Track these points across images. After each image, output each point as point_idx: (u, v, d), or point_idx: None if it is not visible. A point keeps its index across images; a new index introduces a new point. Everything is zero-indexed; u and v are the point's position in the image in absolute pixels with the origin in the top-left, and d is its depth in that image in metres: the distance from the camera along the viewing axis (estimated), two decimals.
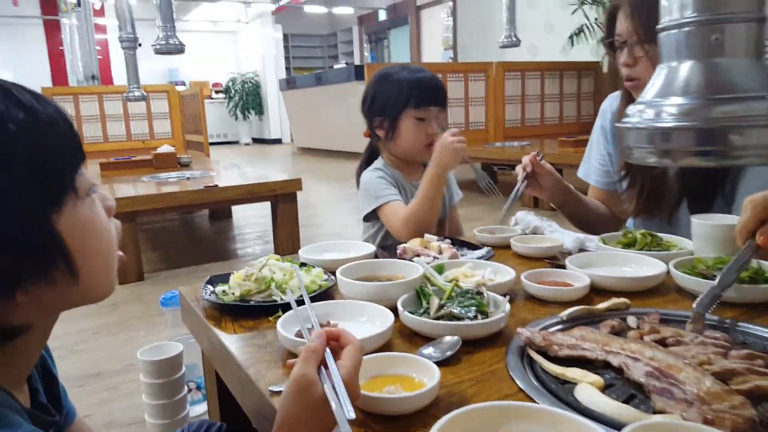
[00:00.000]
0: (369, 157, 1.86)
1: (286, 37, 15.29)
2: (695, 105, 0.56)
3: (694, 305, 0.90)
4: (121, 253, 0.70)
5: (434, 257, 1.26)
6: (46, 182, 0.59)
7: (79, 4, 8.16)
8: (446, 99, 1.72)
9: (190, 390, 1.86)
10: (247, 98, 14.57)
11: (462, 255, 1.33)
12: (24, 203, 0.57)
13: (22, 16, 11.87)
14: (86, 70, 8.08)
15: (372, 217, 1.70)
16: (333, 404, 0.62)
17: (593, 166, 1.73)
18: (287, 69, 15.37)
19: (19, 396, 0.65)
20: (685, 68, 0.57)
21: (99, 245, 0.65)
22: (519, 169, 1.56)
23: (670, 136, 0.57)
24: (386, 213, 1.64)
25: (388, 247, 1.43)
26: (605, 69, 7.15)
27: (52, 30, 12.47)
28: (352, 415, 0.60)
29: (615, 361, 0.76)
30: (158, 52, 3.36)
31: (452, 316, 0.91)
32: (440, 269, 1.13)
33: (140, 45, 4.69)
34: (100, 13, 11.80)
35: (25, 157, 0.57)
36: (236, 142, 15.35)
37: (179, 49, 3.33)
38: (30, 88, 0.62)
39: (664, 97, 0.58)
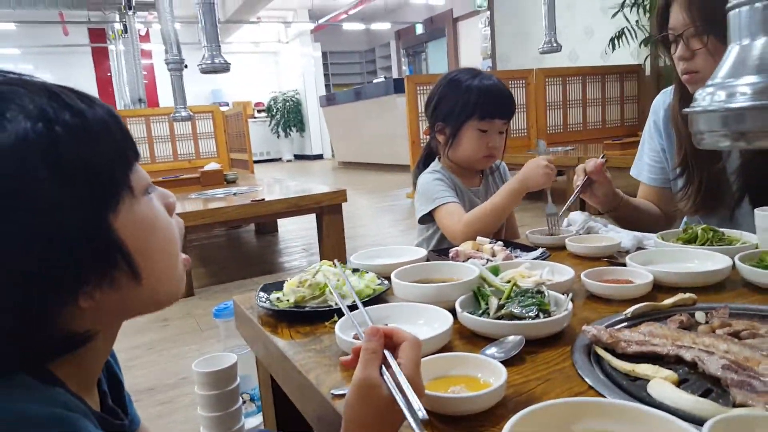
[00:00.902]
0: (426, 158, 1.86)
1: (325, 54, 15.52)
2: None
3: None
4: (186, 255, 0.69)
5: (488, 260, 1.25)
6: (98, 183, 0.58)
7: (125, 30, 8.44)
8: (513, 110, 1.71)
9: (244, 402, 1.87)
10: (289, 116, 14.80)
11: (516, 257, 1.31)
12: (77, 206, 0.56)
13: (71, 45, 12.35)
14: (133, 94, 8.35)
15: (428, 219, 1.70)
16: (402, 406, 0.60)
17: (645, 163, 1.69)
18: (327, 86, 15.56)
19: (89, 400, 0.65)
20: (759, 45, 0.55)
21: (161, 244, 0.63)
22: (579, 170, 1.54)
23: (745, 117, 0.55)
24: (443, 214, 1.63)
25: (440, 250, 1.42)
26: (648, 71, 7.01)
27: (100, 57, 12.93)
28: (425, 415, 0.58)
29: (688, 355, 0.73)
30: (204, 71, 3.44)
31: (513, 316, 0.90)
32: (495, 271, 1.12)
33: (186, 66, 4.82)
34: (145, 38, 12.20)
35: (73, 158, 0.56)
36: (279, 159, 15.57)
37: (225, 68, 3.40)
38: (81, 91, 0.61)
39: (736, 77, 0.56)
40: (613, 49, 6.39)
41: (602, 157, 1.54)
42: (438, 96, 1.72)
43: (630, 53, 7.02)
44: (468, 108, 1.65)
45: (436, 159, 1.82)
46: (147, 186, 0.64)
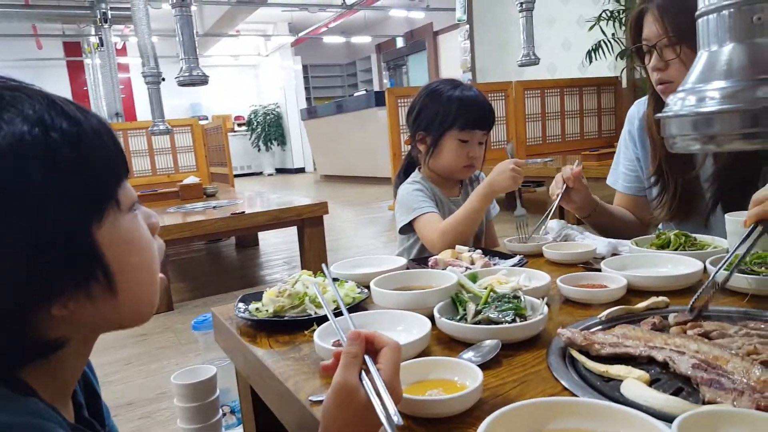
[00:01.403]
0: (407, 167, 1.88)
1: (305, 67, 15.55)
2: (739, 87, 0.55)
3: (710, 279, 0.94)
4: (162, 275, 0.69)
5: (466, 267, 1.26)
6: (88, 192, 0.58)
7: (101, 44, 8.39)
8: (493, 122, 1.74)
9: (224, 414, 1.86)
10: (269, 129, 14.78)
11: (494, 264, 1.33)
12: (64, 211, 0.56)
13: (46, 58, 12.25)
14: (110, 108, 8.29)
15: (408, 229, 1.71)
16: (379, 411, 0.60)
17: (621, 172, 1.72)
18: (308, 99, 15.58)
19: (63, 412, 0.64)
20: (727, 51, 0.57)
21: (140, 261, 0.64)
22: (558, 179, 1.56)
23: (714, 121, 0.57)
24: (421, 224, 1.65)
25: (419, 260, 1.43)
26: (624, 83, 7.13)
27: (76, 70, 12.83)
28: (400, 420, 0.59)
29: (660, 356, 0.75)
30: (182, 84, 3.43)
31: (490, 321, 0.91)
32: (474, 278, 1.13)
33: (163, 80, 4.80)
34: (122, 52, 12.14)
35: (67, 165, 0.57)
36: (260, 173, 15.51)
37: (203, 80, 3.40)
38: (75, 102, 0.62)
39: (705, 83, 0.58)
40: (591, 61, 6.49)
41: (577, 164, 1.56)
42: (419, 106, 1.74)
43: (607, 66, 7.14)
44: (449, 118, 1.67)
45: (417, 169, 1.84)
46: (133, 203, 0.65)
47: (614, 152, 1.80)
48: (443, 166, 1.73)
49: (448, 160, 1.71)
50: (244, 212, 3.50)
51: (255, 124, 14.95)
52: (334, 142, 10.96)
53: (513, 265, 1.30)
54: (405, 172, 1.87)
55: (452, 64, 11.76)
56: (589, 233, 1.52)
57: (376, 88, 14.68)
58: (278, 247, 5.09)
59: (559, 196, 1.54)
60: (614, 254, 1.36)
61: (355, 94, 10.89)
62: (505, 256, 1.41)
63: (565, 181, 1.54)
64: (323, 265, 0.99)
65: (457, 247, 1.40)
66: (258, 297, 1.18)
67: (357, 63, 16.33)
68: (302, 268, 3.70)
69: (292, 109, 14.59)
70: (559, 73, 8.06)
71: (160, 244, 0.69)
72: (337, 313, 0.88)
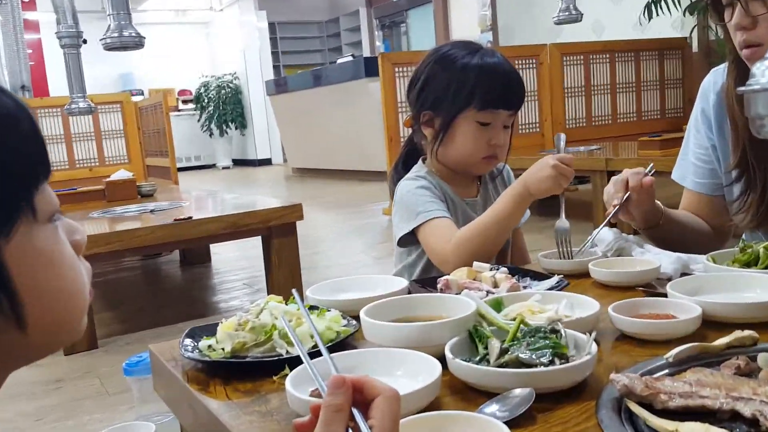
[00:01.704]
0: (407, 158, 1.88)
1: (272, 26, 15.60)
2: None
3: None
4: (90, 288, 0.69)
5: (487, 291, 1.26)
6: None
7: None
8: (523, 99, 1.74)
9: None
10: (225, 108, 14.80)
11: (525, 287, 1.33)
12: None
13: None
14: (14, 80, 8.26)
15: (410, 240, 1.71)
16: None
17: (691, 164, 1.73)
18: (276, 67, 15.61)
19: None
20: None
21: (60, 286, 0.64)
22: (618, 183, 1.56)
23: None
24: (428, 233, 1.65)
25: (425, 281, 1.43)
26: (695, 47, 7.16)
27: None
28: None
29: (747, 409, 0.75)
30: (109, 48, 3.43)
31: (520, 363, 0.91)
32: (498, 305, 1.14)
33: (85, 42, 4.80)
34: (29, 5, 12.13)
35: None
36: (212, 166, 15.52)
37: (136, 43, 3.40)
38: None
39: None
40: (650, 18, 6.52)
41: (651, 171, 1.56)
42: (425, 76, 1.74)
43: (671, 24, 7.18)
44: (465, 93, 1.67)
45: (420, 161, 1.84)
46: (54, 212, 0.64)
47: (682, 138, 1.81)
48: (457, 157, 1.74)
49: (463, 149, 1.71)
50: (191, 218, 3.49)
51: (206, 100, 14.97)
52: (311, 124, 10.98)
53: (550, 289, 1.31)
54: (405, 165, 1.88)
55: (467, 22, 11.80)
56: (651, 246, 1.52)
57: (367, 53, 14.71)
58: (237, 264, 5.09)
59: (617, 207, 1.54)
60: (684, 274, 1.36)
61: (339, 61, 10.90)
62: (539, 277, 1.41)
63: (631, 190, 1.54)
64: (293, 291, 0.99)
65: (476, 264, 1.40)
66: (211, 331, 1.18)
67: (341, 20, 16.39)
68: (269, 293, 3.70)
69: (254, 80, 14.61)
70: (608, 34, 8.09)
71: (87, 268, 0.69)
72: (316, 353, 0.87)
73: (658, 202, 1.62)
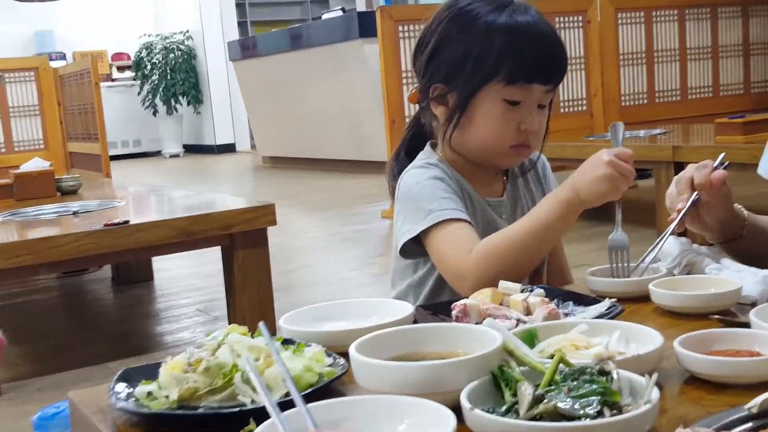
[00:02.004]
0: (412, 143, 1.89)
1: None
2: None
3: None
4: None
5: (518, 320, 1.26)
6: None
7: None
8: (565, 70, 1.75)
9: None
10: (174, 77, 14.77)
11: (566, 314, 1.33)
12: None
13: None
14: None
15: (417, 250, 1.71)
16: None
17: None
18: (242, 24, 15.61)
19: None
20: None
21: None
22: (682, 182, 1.56)
23: None
24: (442, 238, 1.64)
25: (436, 306, 1.43)
26: None
27: None
28: None
29: None
30: None
31: (559, 415, 0.91)
32: (531, 338, 1.13)
33: None
34: None
35: None
36: (157, 153, 15.50)
37: None
38: None
39: None
40: None
41: (722, 163, 1.56)
42: (437, 38, 1.74)
43: None
44: (489, 62, 1.67)
45: (428, 145, 1.84)
46: None
47: None
48: (477, 145, 1.74)
49: (485, 134, 1.71)
50: (127, 222, 3.48)
51: (149, 67, 14.93)
52: (289, 100, 10.98)
53: (599, 316, 1.30)
54: (409, 153, 1.88)
55: None
56: (730, 261, 1.52)
57: (362, 6, 14.68)
58: (188, 283, 5.08)
59: (683, 213, 1.54)
60: None
61: (325, 16, 10.90)
62: (584, 301, 1.41)
63: (697, 189, 1.54)
64: (261, 324, 0.99)
65: (502, 284, 1.40)
66: (152, 373, 1.17)
67: None
68: (231, 322, 3.69)
69: (213, 41, 14.61)
70: None
71: None
72: (290, 403, 0.87)
73: (739, 206, 1.62)
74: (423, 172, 1.74)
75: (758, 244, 1.64)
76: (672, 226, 1.55)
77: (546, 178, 1.91)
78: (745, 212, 1.63)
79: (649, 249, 1.58)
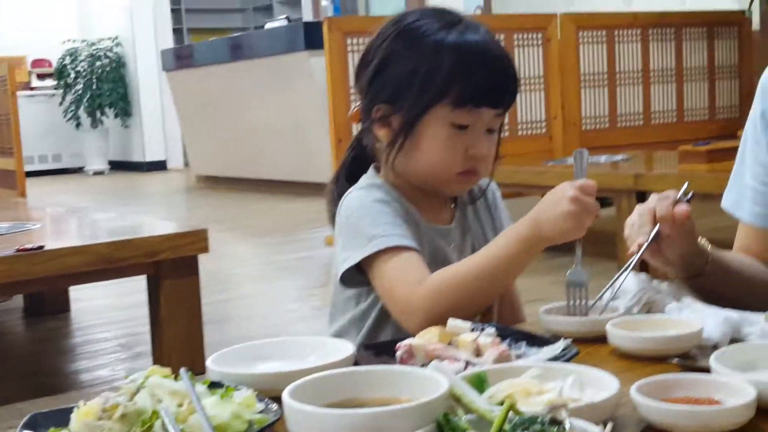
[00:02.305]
0: (353, 166, 1.88)
1: None
2: None
3: None
4: None
5: (467, 362, 1.26)
6: None
7: None
8: (515, 93, 1.76)
9: None
10: (101, 87, 14.64)
11: (519, 356, 1.33)
12: None
13: None
14: None
15: (359, 279, 1.70)
16: None
17: (748, 187, 1.75)
18: (177, 31, 15.56)
19: None
20: None
21: None
22: (644, 214, 1.57)
23: None
24: (388, 267, 1.63)
25: (378, 346, 1.43)
26: (756, 23, 7.30)
27: None
28: None
29: None
30: None
31: None
32: (480, 383, 1.13)
33: None
34: None
35: None
36: (79, 170, 15.33)
37: None
38: None
39: None
40: None
41: (686, 195, 1.57)
42: (382, 55, 1.74)
43: None
44: (436, 84, 1.68)
45: (372, 168, 1.83)
46: None
47: (737, 147, 1.83)
48: (422, 170, 1.74)
49: (431, 160, 1.71)
50: (42, 247, 3.43)
51: (72, 76, 14.79)
52: (226, 114, 10.96)
53: (552, 359, 1.30)
54: (350, 177, 1.87)
55: None
56: (691, 300, 1.53)
57: (308, 15, 14.72)
58: (109, 315, 5.04)
59: (643, 249, 1.55)
60: (735, 340, 1.36)
61: (268, 26, 10.91)
62: (538, 342, 1.41)
63: (659, 222, 1.55)
64: (182, 371, 0.97)
65: (451, 322, 1.39)
66: (62, 419, 1.14)
67: None
68: (155, 359, 3.65)
69: (145, 49, 14.53)
70: (640, 3, 8.24)
71: None
72: None
73: (703, 241, 1.63)
74: (366, 195, 1.73)
75: (721, 282, 1.64)
76: (632, 260, 1.55)
77: (496, 207, 1.91)
78: (709, 247, 1.63)
79: (608, 285, 1.58)
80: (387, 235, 1.64)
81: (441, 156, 1.71)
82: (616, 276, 1.58)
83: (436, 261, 1.67)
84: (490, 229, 1.86)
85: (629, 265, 1.55)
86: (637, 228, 1.57)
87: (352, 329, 1.78)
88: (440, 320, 1.45)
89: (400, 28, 1.74)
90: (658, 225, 1.54)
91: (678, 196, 1.57)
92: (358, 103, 1.83)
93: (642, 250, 1.54)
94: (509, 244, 1.59)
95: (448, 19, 1.73)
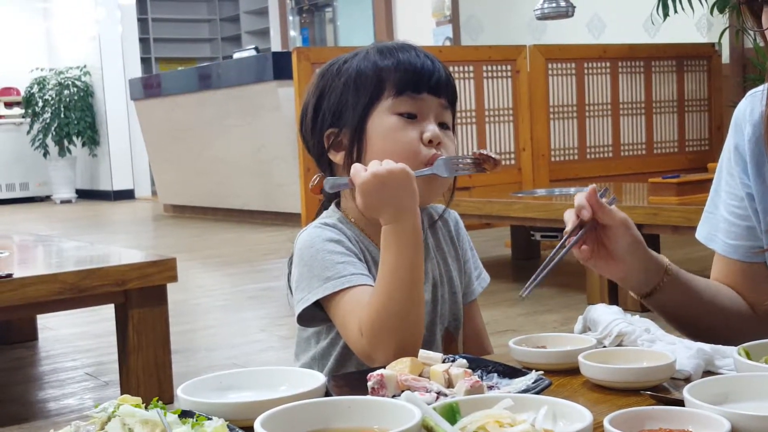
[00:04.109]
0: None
1: (142, 2, 15.52)
2: None
3: None
4: None
5: (438, 393, 1.26)
6: None
7: None
8: (453, 87, 1.77)
9: None
10: (68, 116, 14.61)
11: (491, 387, 1.33)
12: None
13: None
14: None
15: (317, 317, 1.70)
16: None
17: (722, 219, 1.76)
18: (145, 61, 15.54)
19: None
20: None
21: None
22: (567, 215, 1.59)
23: None
24: (345, 309, 1.62)
25: (351, 377, 1.42)
26: (726, 56, 7.38)
27: None
28: None
29: None
30: None
31: None
32: (452, 414, 1.13)
33: None
34: None
35: None
36: (46, 198, 15.27)
37: None
38: None
39: None
40: (666, 15, 6.70)
41: (608, 197, 1.59)
42: (315, 98, 1.79)
43: (695, 24, 7.41)
44: (369, 83, 1.72)
45: (333, 204, 1.83)
46: None
47: (707, 180, 1.84)
48: None
49: (389, 152, 1.67)
50: (11, 275, 3.41)
51: (40, 104, 14.77)
52: (195, 144, 10.94)
53: (524, 390, 1.30)
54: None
55: (419, 9, 11.96)
56: (662, 332, 1.53)
57: (276, 46, 14.76)
58: (77, 344, 5.00)
59: (571, 228, 1.56)
60: (708, 372, 1.37)
61: (237, 56, 10.91)
62: (510, 373, 1.41)
63: (576, 211, 1.57)
64: (159, 409, 0.96)
65: (422, 353, 1.39)
66: None
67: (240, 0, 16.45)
68: (123, 388, 3.63)
69: (113, 78, 14.52)
70: (609, 35, 8.31)
71: None
72: None
73: (662, 257, 1.64)
74: (319, 233, 1.72)
75: (682, 298, 1.66)
76: (564, 247, 1.57)
77: (459, 238, 1.90)
78: (666, 260, 1.65)
79: (540, 267, 1.58)
80: (341, 276, 1.64)
81: (397, 146, 1.69)
82: (549, 257, 1.58)
83: None
84: (453, 260, 1.86)
85: (555, 257, 1.57)
86: (566, 221, 1.59)
87: (315, 366, 1.76)
88: (386, 348, 1.49)
89: (322, 71, 1.80)
90: (579, 218, 1.56)
91: (600, 192, 1.58)
92: (317, 175, 1.81)
93: (566, 237, 1.57)
94: (395, 248, 1.57)
95: (382, 49, 1.77)
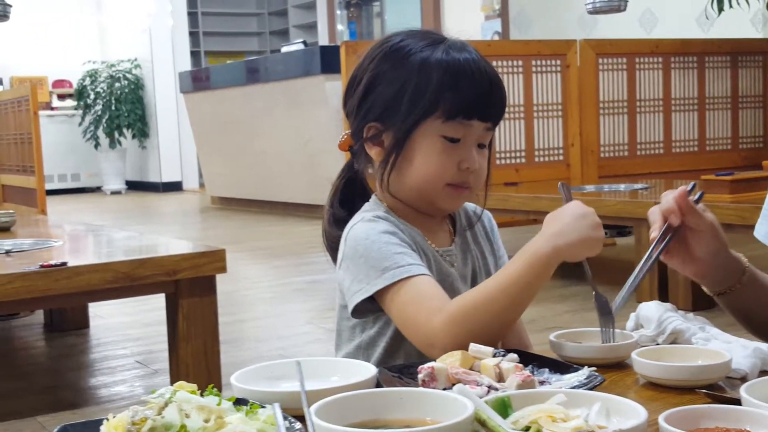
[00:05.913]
0: (345, 191, 1.89)
1: None
2: None
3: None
4: None
5: (489, 387, 1.25)
6: None
7: None
8: (504, 107, 1.77)
9: None
10: (119, 108, 14.72)
11: (542, 382, 1.32)
12: None
13: None
14: None
15: (368, 308, 1.69)
16: None
17: None
18: (195, 54, 15.61)
19: None
20: None
21: None
22: (654, 216, 1.56)
23: None
24: (404, 299, 1.62)
25: (401, 368, 1.43)
26: None
27: None
28: None
29: None
30: None
31: None
32: (504, 407, 1.12)
33: None
34: None
35: None
36: (97, 189, 15.40)
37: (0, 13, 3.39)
38: None
39: None
40: (720, 10, 6.63)
41: (696, 194, 1.56)
42: (369, 77, 1.76)
43: (750, 19, 7.32)
44: (426, 97, 1.69)
45: (374, 197, 1.84)
46: None
47: (762, 177, 1.82)
48: (415, 184, 1.73)
49: (424, 172, 1.71)
50: (65, 264, 3.45)
51: (92, 97, 14.90)
52: (242, 137, 10.97)
53: (576, 386, 1.30)
54: (344, 202, 1.89)
55: (466, 3, 11.93)
56: (718, 331, 1.52)
57: (324, 40, 14.76)
58: (127, 332, 5.04)
59: (653, 248, 1.54)
60: (765, 372, 1.36)
61: (285, 49, 10.93)
62: (562, 368, 1.40)
63: (664, 215, 1.55)
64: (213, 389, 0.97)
65: (473, 347, 1.39)
66: (93, 430, 1.15)
67: None
68: (172, 376, 3.66)
69: (163, 71, 14.61)
70: (662, 30, 8.23)
71: None
72: None
73: (740, 256, 1.61)
74: (372, 227, 1.72)
75: (757, 299, 1.62)
76: (654, 254, 1.54)
77: (494, 235, 1.93)
78: (744, 259, 1.61)
79: (624, 289, 1.56)
80: (398, 266, 1.64)
81: (433, 168, 1.71)
82: (636, 271, 1.56)
83: (442, 282, 1.67)
84: (489, 255, 1.89)
85: (645, 264, 1.54)
86: (652, 223, 1.56)
87: (360, 356, 1.76)
88: (461, 342, 1.46)
89: (385, 49, 1.76)
90: (668, 221, 1.53)
91: (688, 189, 1.55)
92: (345, 132, 1.84)
93: (656, 243, 1.53)
94: (523, 265, 1.57)
95: (433, 38, 1.75)
